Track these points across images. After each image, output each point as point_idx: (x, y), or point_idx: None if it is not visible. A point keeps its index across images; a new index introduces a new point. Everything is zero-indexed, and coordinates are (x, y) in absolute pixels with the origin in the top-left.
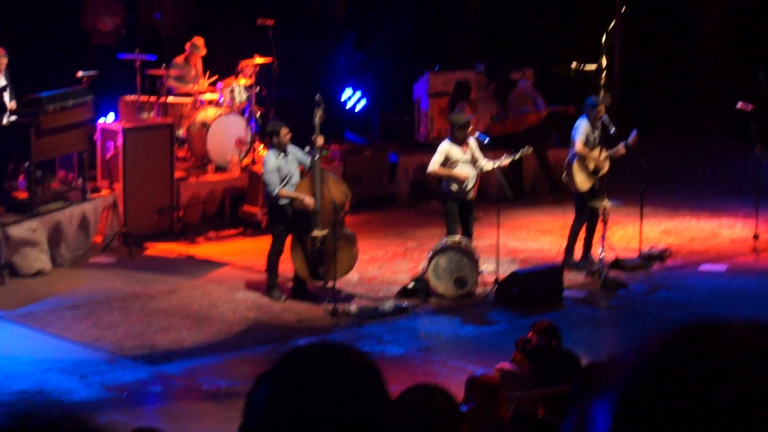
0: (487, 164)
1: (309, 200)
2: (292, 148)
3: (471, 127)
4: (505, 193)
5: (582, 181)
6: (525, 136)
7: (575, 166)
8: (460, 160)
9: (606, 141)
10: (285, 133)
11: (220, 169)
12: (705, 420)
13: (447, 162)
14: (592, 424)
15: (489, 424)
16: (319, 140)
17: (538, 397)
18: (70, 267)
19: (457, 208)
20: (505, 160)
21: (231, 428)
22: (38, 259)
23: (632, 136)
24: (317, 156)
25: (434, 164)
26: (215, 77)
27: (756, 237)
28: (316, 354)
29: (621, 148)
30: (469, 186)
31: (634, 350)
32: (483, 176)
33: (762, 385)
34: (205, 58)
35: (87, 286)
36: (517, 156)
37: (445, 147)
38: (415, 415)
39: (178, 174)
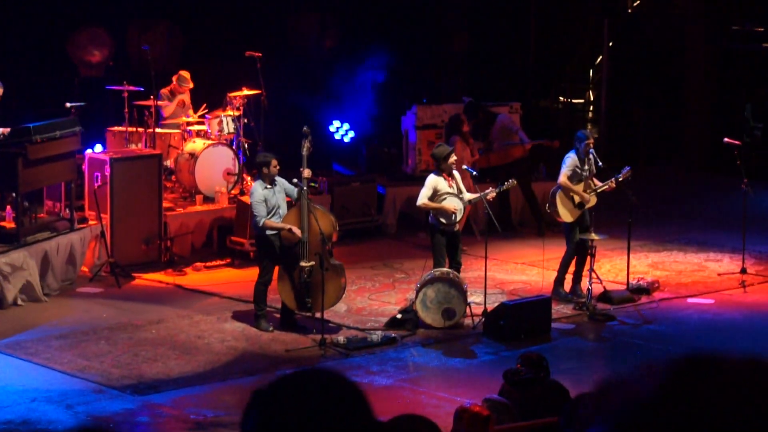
0: (472, 196)
1: (296, 230)
2: (279, 180)
3: (455, 158)
4: (493, 225)
5: (564, 213)
6: (510, 169)
7: (558, 198)
8: (447, 192)
9: (596, 174)
10: (275, 164)
11: (208, 199)
12: None
13: (435, 195)
14: None
15: None
16: (306, 172)
17: (526, 428)
18: (57, 297)
19: (445, 241)
20: (491, 193)
21: None
22: (26, 288)
23: (624, 171)
24: (304, 187)
25: (423, 198)
26: (204, 109)
27: (743, 271)
28: (307, 379)
29: (611, 182)
30: (458, 218)
31: (628, 382)
32: (471, 209)
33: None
34: (193, 90)
35: (74, 316)
36: (503, 188)
37: (433, 180)
38: None
39: (165, 204)
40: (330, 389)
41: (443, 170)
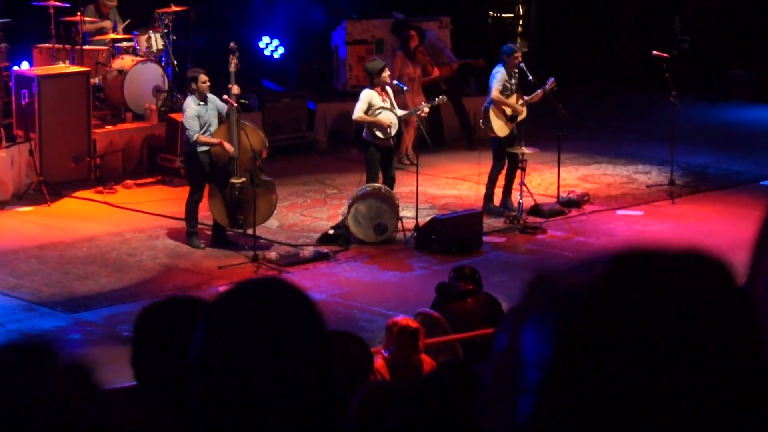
0: (404, 112)
1: (228, 146)
2: (211, 97)
3: (388, 73)
4: (425, 141)
5: (499, 127)
6: (440, 86)
7: (492, 113)
8: (382, 106)
9: (523, 88)
10: (204, 80)
11: (137, 117)
12: (656, 344)
13: (369, 109)
14: (522, 349)
15: (409, 368)
16: (235, 88)
17: (458, 341)
18: None
19: (379, 156)
20: (424, 108)
21: None
22: None
23: (549, 82)
24: (234, 104)
25: (359, 111)
26: (128, 21)
27: (672, 183)
28: (257, 288)
29: (538, 93)
30: (393, 133)
31: (569, 277)
32: (401, 124)
33: (700, 307)
34: (120, 6)
35: (3, 234)
36: (434, 104)
37: (367, 94)
38: None
39: (94, 122)
40: (285, 297)
41: (376, 85)
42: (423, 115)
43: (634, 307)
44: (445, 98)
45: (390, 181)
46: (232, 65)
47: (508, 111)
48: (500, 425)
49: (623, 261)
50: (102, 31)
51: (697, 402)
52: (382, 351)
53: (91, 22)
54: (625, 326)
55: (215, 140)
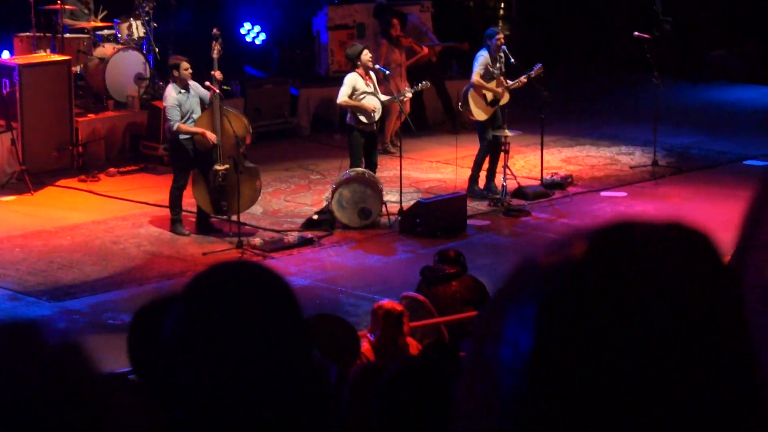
0: (387, 97)
1: (210, 135)
2: (193, 84)
3: (369, 56)
4: (408, 125)
5: (477, 111)
6: (423, 70)
7: (471, 96)
8: (366, 91)
9: (507, 72)
10: (186, 67)
11: (119, 105)
12: (643, 320)
13: (354, 93)
14: (506, 332)
15: (395, 351)
16: (218, 75)
17: (444, 324)
18: None
19: (363, 141)
20: (407, 93)
21: None
22: None
23: (536, 68)
24: (217, 90)
25: (343, 96)
26: (104, 12)
27: (655, 163)
28: (230, 271)
29: (522, 79)
30: (376, 117)
31: (549, 257)
32: (384, 109)
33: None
34: None
35: None
36: (417, 89)
37: (351, 79)
38: (317, 344)
39: (76, 110)
40: (258, 281)
41: (358, 67)
42: (405, 100)
43: (618, 283)
44: (428, 84)
45: (372, 166)
46: (215, 51)
47: (489, 95)
48: (481, 408)
49: (605, 235)
50: (80, 19)
51: (688, 383)
52: (368, 335)
53: (71, 16)
54: (608, 303)
55: (197, 129)
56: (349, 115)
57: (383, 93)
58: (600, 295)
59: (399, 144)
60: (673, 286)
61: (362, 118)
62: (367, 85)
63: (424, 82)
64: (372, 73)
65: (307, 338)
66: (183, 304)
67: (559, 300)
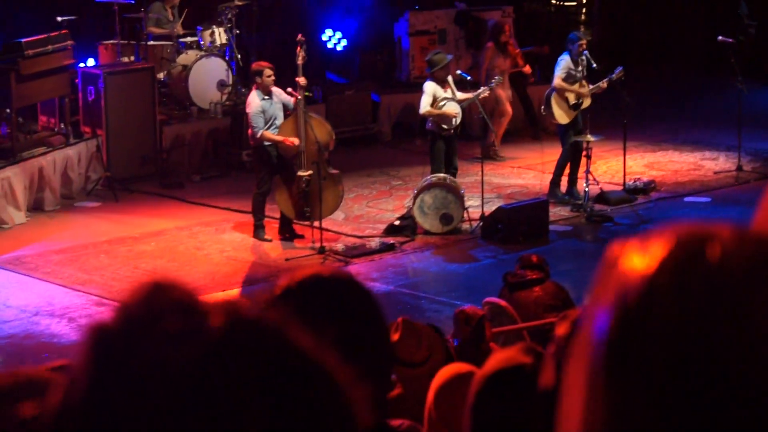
0: (465, 97)
1: (294, 141)
2: (276, 90)
3: (449, 73)
4: (489, 129)
5: (560, 115)
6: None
7: (554, 99)
8: (446, 97)
9: (589, 76)
10: (269, 74)
11: (202, 112)
12: (715, 329)
13: (435, 101)
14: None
15: (478, 357)
16: (302, 81)
17: (525, 330)
18: (55, 212)
19: (444, 147)
20: (484, 92)
21: None
22: (16, 211)
23: (617, 72)
24: (301, 97)
25: (425, 105)
26: (184, 16)
27: (739, 168)
28: (330, 281)
29: (603, 83)
30: (457, 122)
31: (629, 258)
32: (464, 112)
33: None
34: (184, 1)
35: (73, 230)
36: (493, 85)
37: (431, 87)
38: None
39: (160, 117)
40: (348, 293)
41: (438, 77)
42: (485, 96)
43: (689, 290)
44: (502, 78)
45: (454, 170)
46: (300, 57)
47: (571, 98)
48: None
49: (681, 241)
50: (164, 26)
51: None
52: (451, 340)
53: (155, 24)
54: (681, 308)
55: (279, 138)
56: (429, 122)
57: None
58: (672, 304)
59: (482, 150)
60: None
61: (443, 125)
62: (446, 90)
63: (497, 78)
64: (450, 79)
65: (390, 347)
66: (289, 300)
67: (630, 305)
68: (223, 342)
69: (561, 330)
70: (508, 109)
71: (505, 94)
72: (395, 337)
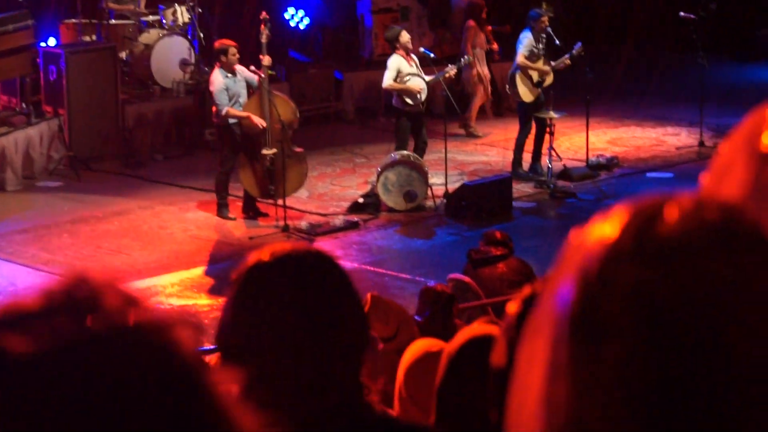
0: (430, 77)
1: (258, 119)
2: (239, 68)
3: (408, 37)
4: (452, 107)
5: (525, 93)
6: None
7: (518, 78)
8: (410, 72)
9: (550, 53)
10: (233, 52)
11: (165, 91)
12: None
13: (398, 76)
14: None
15: (443, 334)
16: (266, 59)
17: (490, 306)
18: (17, 192)
19: (410, 124)
20: (450, 71)
21: None
22: None
23: (576, 47)
24: (265, 75)
25: (388, 80)
26: None
27: (701, 144)
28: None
29: (565, 59)
30: (422, 98)
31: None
32: (429, 91)
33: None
34: None
35: (35, 210)
36: (460, 65)
37: (395, 62)
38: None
39: (122, 96)
40: (322, 268)
41: (399, 50)
42: (449, 76)
43: (649, 254)
44: (471, 59)
45: (423, 145)
46: (264, 36)
47: (535, 76)
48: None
49: (641, 208)
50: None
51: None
52: (415, 317)
53: (116, 1)
54: (642, 272)
55: (243, 114)
56: (395, 98)
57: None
58: (630, 272)
59: (444, 128)
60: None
61: (408, 101)
62: (411, 65)
63: (465, 57)
64: (414, 55)
65: (366, 320)
66: (241, 287)
67: (591, 273)
68: (91, 342)
69: (512, 308)
70: (488, 86)
71: (483, 72)
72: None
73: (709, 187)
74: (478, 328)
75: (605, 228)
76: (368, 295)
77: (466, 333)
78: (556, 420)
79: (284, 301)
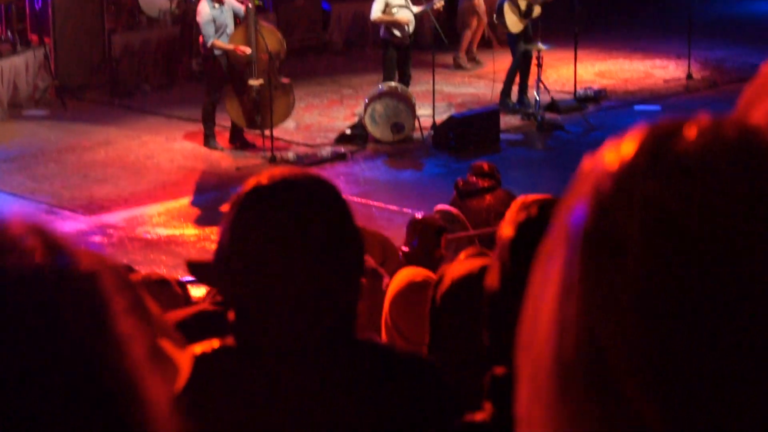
0: (419, 8)
1: (245, 49)
2: None
3: None
4: (440, 38)
5: (513, 23)
6: None
7: (506, 8)
8: (398, 4)
9: None
10: None
11: (152, 20)
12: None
13: (387, 8)
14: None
15: (430, 264)
16: None
17: (478, 237)
18: (3, 121)
19: (396, 55)
20: (438, 2)
21: (171, 275)
22: None
23: None
24: (251, 5)
25: (376, 12)
26: None
27: (689, 77)
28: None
29: None
30: (410, 30)
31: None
32: (417, 22)
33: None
34: None
35: (21, 138)
36: None
37: None
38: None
39: (109, 26)
40: (320, 193)
41: None
42: (437, 7)
43: (665, 170)
44: None
45: (407, 79)
46: None
47: (522, 5)
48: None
49: (658, 127)
50: None
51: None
52: (402, 247)
53: None
54: (657, 188)
55: (230, 46)
56: (382, 30)
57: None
58: (646, 192)
59: (433, 58)
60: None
61: (396, 32)
62: None
63: None
64: None
65: (363, 247)
66: (240, 210)
67: (604, 193)
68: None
69: (507, 232)
70: (483, 17)
71: (478, 1)
72: None
73: (744, 105)
74: (476, 259)
75: (621, 146)
76: None
77: (466, 263)
78: (568, 339)
79: (282, 223)
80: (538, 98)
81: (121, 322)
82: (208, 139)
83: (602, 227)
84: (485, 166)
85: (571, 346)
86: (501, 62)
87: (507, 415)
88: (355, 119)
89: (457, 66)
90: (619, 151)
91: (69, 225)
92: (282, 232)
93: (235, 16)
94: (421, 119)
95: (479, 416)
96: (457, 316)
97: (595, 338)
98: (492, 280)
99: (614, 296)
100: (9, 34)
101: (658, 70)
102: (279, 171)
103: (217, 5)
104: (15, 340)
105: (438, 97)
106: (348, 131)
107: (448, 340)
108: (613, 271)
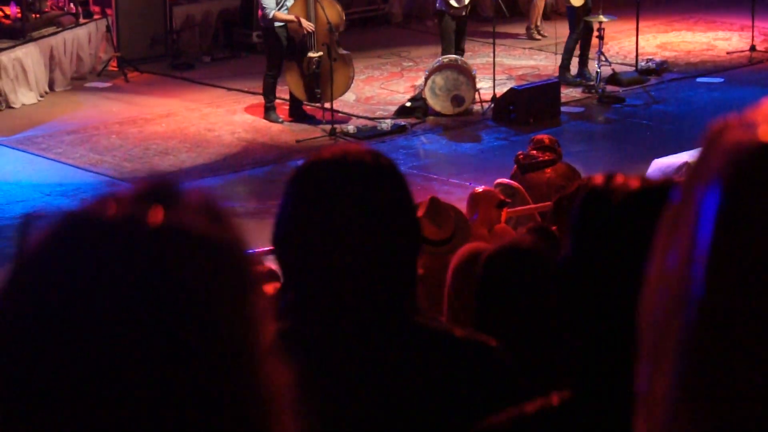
0: None
1: (305, 22)
2: None
3: None
4: (501, 10)
5: None
6: None
7: None
8: None
9: None
10: None
11: None
12: None
13: None
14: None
15: (492, 237)
16: None
17: (537, 211)
18: (66, 92)
19: (453, 25)
20: None
21: None
22: (27, 91)
23: None
24: None
25: None
26: None
27: (752, 48)
28: (351, 157)
29: None
30: (466, 1)
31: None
32: None
33: None
34: None
35: (84, 111)
36: None
37: None
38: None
39: None
40: (377, 170)
41: None
42: None
43: None
44: None
45: (460, 53)
46: None
47: None
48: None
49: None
50: None
51: None
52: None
53: None
54: None
55: (291, 17)
56: (439, 1)
57: None
58: None
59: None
60: None
61: (452, 2)
62: None
63: None
64: None
65: (419, 225)
66: (299, 185)
67: (744, 178)
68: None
69: (578, 199)
70: None
71: None
72: (419, 213)
73: None
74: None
75: (753, 123)
76: (427, 198)
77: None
78: (698, 315)
79: (341, 198)
80: (599, 70)
81: (259, 302)
82: (269, 112)
83: (735, 205)
84: (546, 140)
85: (700, 322)
86: (561, 34)
87: (587, 397)
88: (415, 92)
89: (530, 37)
90: (751, 126)
91: None
92: (341, 206)
93: None
94: (481, 92)
95: (555, 399)
96: (499, 292)
97: (718, 300)
98: (565, 246)
99: (752, 273)
100: (72, 6)
101: (720, 42)
102: (339, 146)
103: None
104: (173, 302)
105: (498, 69)
106: (408, 104)
107: (492, 316)
108: (750, 246)
